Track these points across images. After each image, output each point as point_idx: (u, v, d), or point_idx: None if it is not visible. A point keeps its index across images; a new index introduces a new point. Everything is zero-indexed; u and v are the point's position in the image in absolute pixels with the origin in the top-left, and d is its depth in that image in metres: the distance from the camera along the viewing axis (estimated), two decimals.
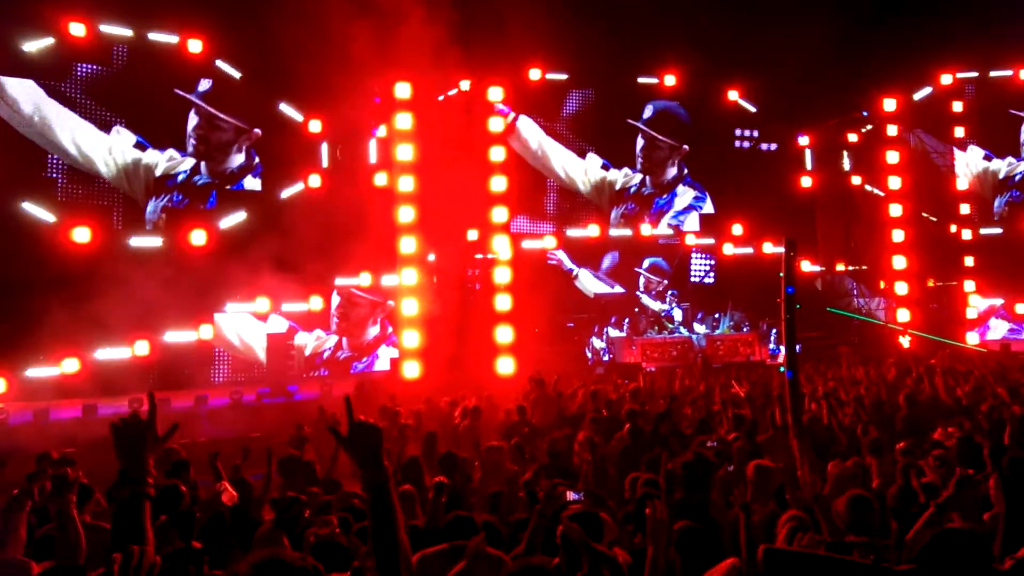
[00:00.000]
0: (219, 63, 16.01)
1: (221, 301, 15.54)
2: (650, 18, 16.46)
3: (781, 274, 4.97)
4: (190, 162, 16.09)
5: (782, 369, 5.83)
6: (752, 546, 2.55)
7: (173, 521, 3.65)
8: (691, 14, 16.56)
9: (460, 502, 4.36)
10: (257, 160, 16.56)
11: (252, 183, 16.65)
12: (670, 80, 18.75)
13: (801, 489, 4.57)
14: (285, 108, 16.57)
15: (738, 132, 19.87)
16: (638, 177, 19.82)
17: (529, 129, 18.76)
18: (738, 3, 16.92)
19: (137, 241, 15.24)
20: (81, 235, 14.11)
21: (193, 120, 16.16)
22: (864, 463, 5.48)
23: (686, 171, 20.15)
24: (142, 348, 14.27)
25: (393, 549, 1.86)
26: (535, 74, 17.67)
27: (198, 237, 15.37)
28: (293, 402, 13.12)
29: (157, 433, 2.22)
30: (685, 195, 20.22)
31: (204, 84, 16.10)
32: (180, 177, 16.05)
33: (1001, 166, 19.28)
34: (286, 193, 16.56)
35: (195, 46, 15.50)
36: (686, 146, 19.88)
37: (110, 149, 15.41)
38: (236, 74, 16.13)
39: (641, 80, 19.22)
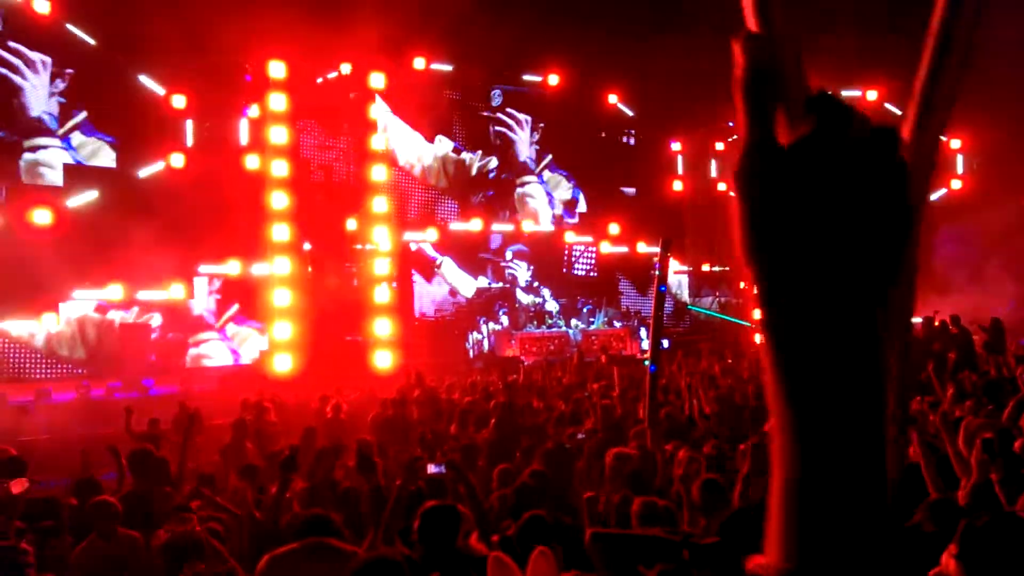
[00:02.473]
0: (70, 27, 14.62)
1: (68, 287, 14.22)
2: (538, 17, 16.68)
3: (657, 271, 5.14)
4: None
5: (646, 363, 6.06)
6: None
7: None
8: (577, 17, 16.92)
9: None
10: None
11: (106, 158, 15.34)
12: (554, 80, 19.07)
13: (655, 475, 4.78)
14: (145, 80, 15.37)
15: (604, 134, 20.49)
16: (495, 161, 19.66)
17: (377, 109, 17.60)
18: (619, 12, 17.47)
19: None
20: None
21: None
22: (718, 450, 5.77)
23: (549, 157, 20.24)
24: None
25: None
26: (419, 63, 17.42)
27: (42, 216, 13.97)
28: (148, 397, 12.22)
29: None
30: (560, 187, 20.49)
31: None
32: None
33: None
34: (144, 172, 15.39)
35: (42, 6, 14.06)
36: (541, 123, 19.90)
37: None
38: (91, 40, 14.79)
39: (526, 78, 19.44)
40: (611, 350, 13.92)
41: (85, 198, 14.79)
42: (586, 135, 20.23)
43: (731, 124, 20.53)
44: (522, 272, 19.54)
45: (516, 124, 19.99)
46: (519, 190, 20.09)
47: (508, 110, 19.86)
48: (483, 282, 18.93)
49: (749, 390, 8.59)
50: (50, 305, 14.09)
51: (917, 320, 13.37)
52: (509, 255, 19.64)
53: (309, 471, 5.58)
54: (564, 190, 20.63)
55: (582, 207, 20.69)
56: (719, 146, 21.15)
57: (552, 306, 18.57)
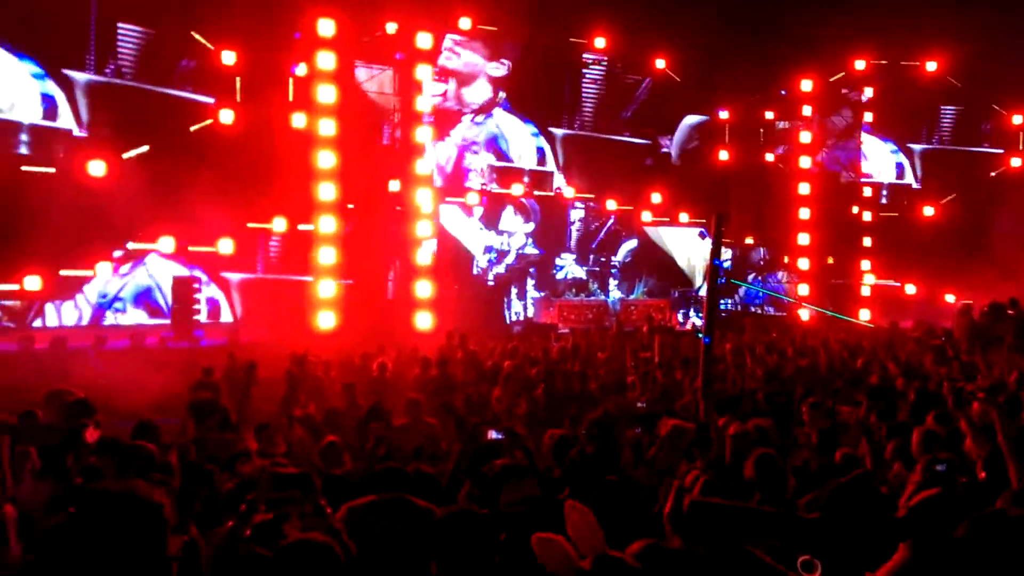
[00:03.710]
0: None
1: (121, 239, 14.61)
2: None
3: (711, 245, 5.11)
4: None
5: (700, 335, 6.05)
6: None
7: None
8: None
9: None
10: None
11: None
12: (600, 43, 18.71)
13: (710, 447, 4.80)
14: (196, 36, 15.48)
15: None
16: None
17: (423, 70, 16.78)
18: None
19: (31, 168, 14.04)
20: None
21: None
22: (763, 425, 5.77)
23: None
24: (33, 283, 13.28)
25: None
26: (465, 23, 17.23)
27: (96, 167, 14.30)
28: (199, 348, 12.60)
29: None
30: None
31: None
32: None
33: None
34: (195, 126, 15.59)
35: None
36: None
37: None
38: None
39: (573, 40, 19.11)
40: (653, 322, 13.87)
41: (138, 150, 15.06)
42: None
43: (783, 92, 20.05)
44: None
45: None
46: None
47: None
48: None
49: (793, 367, 8.55)
50: (105, 255, 14.50)
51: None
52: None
53: (358, 427, 5.74)
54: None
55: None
56: (768, 115, 20.60)
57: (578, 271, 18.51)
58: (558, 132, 19.88)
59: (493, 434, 4.30)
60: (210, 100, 15.50)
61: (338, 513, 2.52)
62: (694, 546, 1.80)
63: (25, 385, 8.72)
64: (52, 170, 14.17)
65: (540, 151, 19.74)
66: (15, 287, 13.34)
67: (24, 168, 13.92)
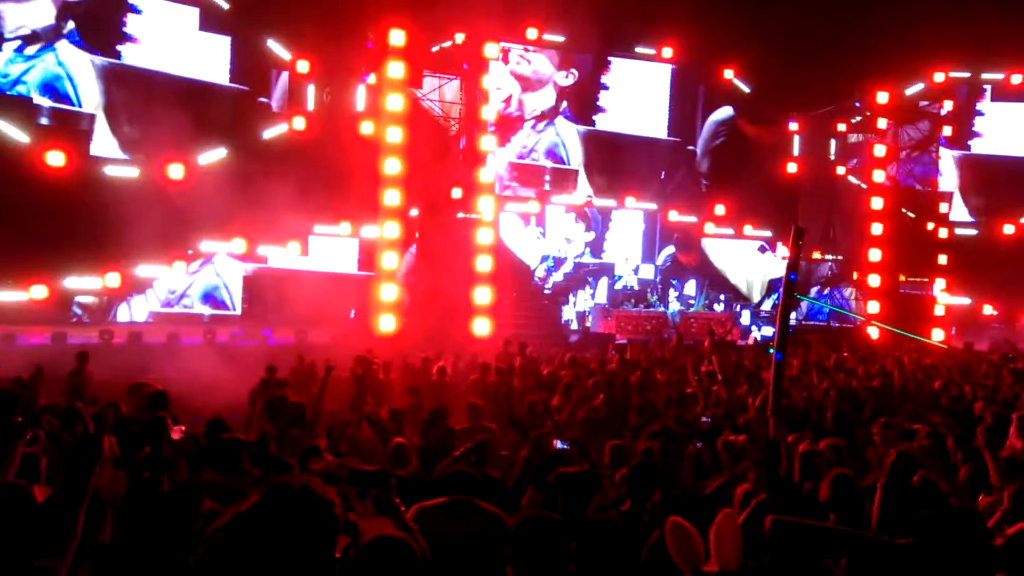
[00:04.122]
0: None
1: (197, 238, 15.23)
2: None
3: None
4: None
5: (771, 350, 5.91)
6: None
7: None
8: None
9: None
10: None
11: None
12: (667, 52, 18.57)
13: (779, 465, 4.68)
14: (273, 45, 16.07)
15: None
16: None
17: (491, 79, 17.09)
18: None
19: (113, 170, 14.80)
20: (55, 159, 13.64)
21: None
22: (836, 444, 5.61)
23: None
24: (113, 280, 13.98)
25: None
26: (532, 34, 17.36)
27: (176, 171, 14.96)
28: (267, 346, 13.00)
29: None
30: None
31: None
32: None
33: None
34: (269, 133, 16.16)
35: None
36: (574, 71, 18.86)
37: None
38: (224, 4, 15.56)
39: (639, 50, 19.03)
40: (715, 336, 13.64)
41: (215, 155, 15.69)
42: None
43: (856, 104, 19.48)
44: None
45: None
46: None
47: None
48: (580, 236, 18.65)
49: (862, 386, 8.27)
50: (181, 254, 15.13)
51: None
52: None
53: (423, 430, 5.83)
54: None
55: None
56: (840, 127, 20.04)
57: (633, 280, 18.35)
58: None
59: (558, 444, 4.31)
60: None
61: (408, 513, 2.58)
62: (775, 564, 1.78)
63: (107, 378, 9.17)
64: (135, 172, 14.89)
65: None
66: (97, 283, 14.05)
67: (107, 170, 14.66)
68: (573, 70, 18.94)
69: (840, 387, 8.11)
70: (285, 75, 16.14)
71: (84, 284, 14.01)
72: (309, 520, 1.42)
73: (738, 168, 19.20)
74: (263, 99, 16.22)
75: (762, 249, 19.42)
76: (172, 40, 15.47)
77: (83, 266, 13.71)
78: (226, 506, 2.62)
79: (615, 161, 19.04)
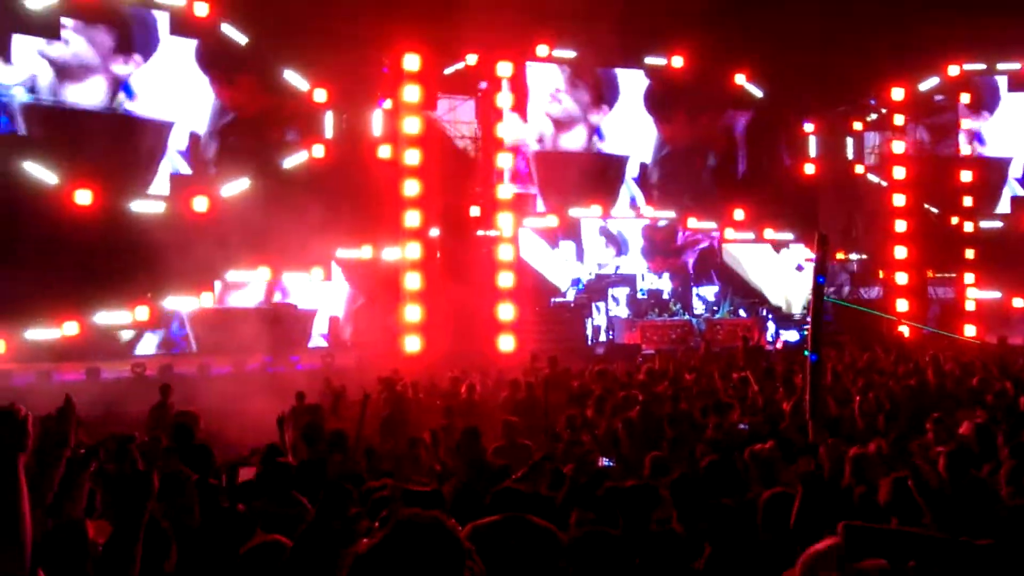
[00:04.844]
0: (224, 27, 15.75)
1: (223, 268, 15.45)
2: None
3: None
4: None
5: (806, 353, 5.87)
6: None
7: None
8: None
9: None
10: None
11: None
12: (678, 62, 18.59)
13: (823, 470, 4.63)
14: (290, 76, 16.34)
15: None
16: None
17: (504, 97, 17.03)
18: None
19: (139, 205, 15.08)
20: (83, 197, 13.94)
21: None
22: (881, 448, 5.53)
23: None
24: (142, 313, 14.20)
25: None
26: (542, 51, 17.49)
27: (200, 203, 15.22)
28: (295, 372, 13.10)
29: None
30: None
31: None
32: None
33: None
34: (289, 163, 16.40)
35: (201, 8, 15.24)
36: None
37: None
38: (242, 39, 15.87)
39: (648, 61, 19.08)
40: (749, 342, 13.51)
41: (238, 186, 15.95)
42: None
43: (872, 101, 19.34)
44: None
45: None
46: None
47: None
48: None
49: (900, 386, 8.16)
50: (207, 285, 15.34)
51: None
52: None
53: (457, 447, 5.84)
54: None
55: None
56: (857, 126, 19.90)
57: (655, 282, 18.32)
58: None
59: (604, 461, 4.29)
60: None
61: (461, 533, 2.58)
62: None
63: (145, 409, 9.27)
64: (162, 207, 15.16)
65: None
66: (127, 318, 14.28)
67: (133, 206, 14.94)
68: (604, 106, 19.10)
69: (875, 389, 8.01)
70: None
71: (114, 319, 14.23)
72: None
73: (755, 171, 19.13)
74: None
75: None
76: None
77: (113, 301, 13.94)
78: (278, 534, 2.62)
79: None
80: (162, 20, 15.55)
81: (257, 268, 15.43)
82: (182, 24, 15.52)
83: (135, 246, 14.07)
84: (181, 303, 15.22)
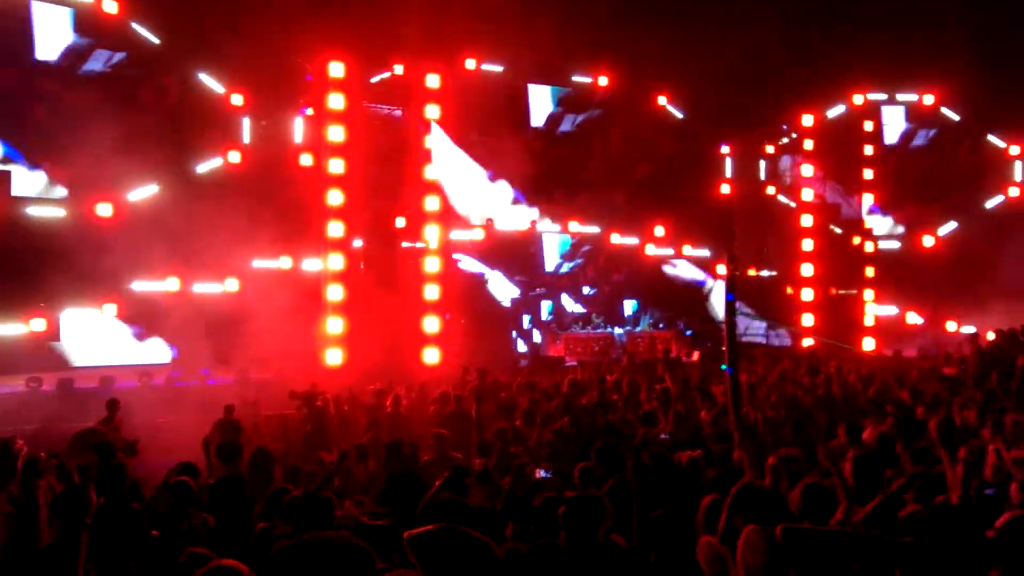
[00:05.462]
0: (135, 26, 15.05)
1: (128, 278, 14.63)
2: (586, 19, 16.74)
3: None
4: None
5: (724, 367, 6.06)
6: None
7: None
8: (626, 19, 16.92)
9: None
10: None
11: None
12: (603, 81, 19.04)
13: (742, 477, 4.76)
14: (205, 78, 15.74)
15: None
16: None
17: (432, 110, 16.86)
18: (671, 12, 17.43)
19: (36, 210, 14.13)
20: None
21: None
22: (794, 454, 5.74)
23: None
24: (38, 325, 13.27)
25: None
26: (470, 64, 17.54)
27: (104, 209, 14.40)
28: (206, 386, 12.52)
29: None
30: None
31: None
32: None
33: None
34: (202, 168, 15.76)
35: (111, 6, 14.52)
36: None
37: None
38: (155, 40, 15.20)
39: (575, 79, 19.45)
40: (671, 354, 13.85)
41: (145, 192, 15.18)
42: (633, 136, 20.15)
43: (784, 126, 20.35)
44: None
45: None
46: None
47: None
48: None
49: (810, 397, 8.53)
50: (111, 296, 14.48)
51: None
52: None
53: (385, 462, 5.70)
54: None
55: None
56: (769, 149, 20.89)
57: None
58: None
59: (541, 472, 4.26)
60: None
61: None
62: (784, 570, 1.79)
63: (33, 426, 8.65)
64: (62, 212, 14.26)
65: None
66: (22, 329, 13.32)
67: (30, 211, 14.00)
68: None
69: (787, 397, 8.35)
70: None
71: (8, 330, 13.24)
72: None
73: (674, 190, 19.77)
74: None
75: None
76: None
77: (6, 311, 12.99)
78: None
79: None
80: (64, 17, 14.71)
81: (166, 279, 14.69)
82: (88, 22, 14.73)
83: (31, 253, 13.18)
84: (81, 314, 14.33)
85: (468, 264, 18.53)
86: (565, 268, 20.10)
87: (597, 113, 19.98)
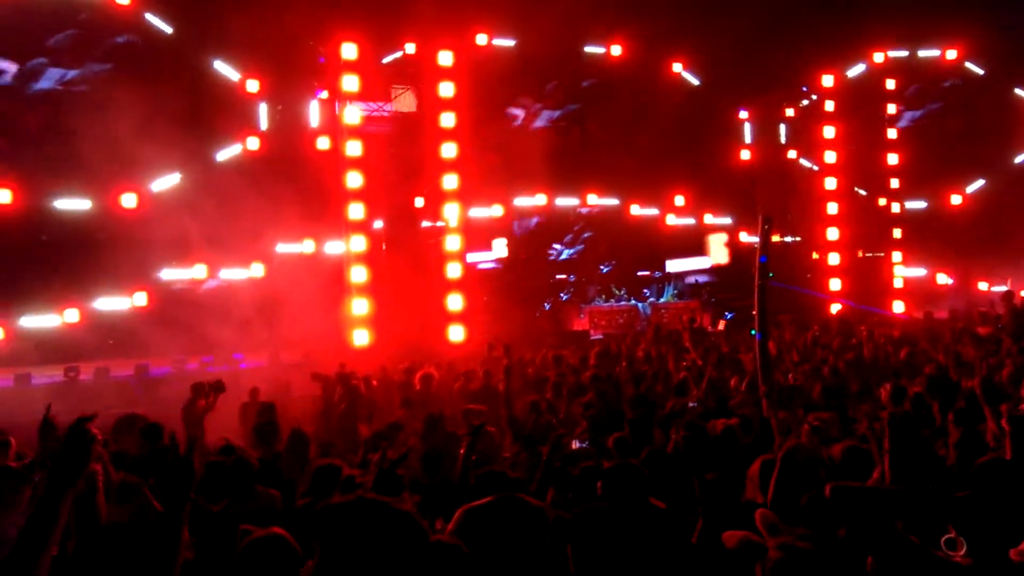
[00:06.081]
0: (148, 16, 15.08)
1: (156, 267, 14.85)
2: None
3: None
4: None
5: (753, 332, 6.04)
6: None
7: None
8: None
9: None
10: None
11: None
12: (616, 50, 18.77)
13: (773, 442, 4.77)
14: (220, 66, 15.77)
15: None
16: None
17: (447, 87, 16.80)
18: None
19: (63, 203, 14.34)
20: (1, 196, 13.18)
21: None
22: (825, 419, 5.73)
23: None
24: (72, 315, 13.54)
25: None
26: (482, 39, 17.36)
27: (129, 200, 14.58)
28: (239, 371, 12.71)
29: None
30: None
31: None
32: None
33: None
34: (222, 155, 15.85)
35: None
36: None
37: None
38: (167, 29, 15.23)
39: (588, 49, 19.19)
40: (695, 324, 13.80)
41: (168, 181, 15.33)
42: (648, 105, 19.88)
43: (804, 88, 19.97)
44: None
45: None
46: None
47: None
48: None
49: (842, 361, 8.48)
50: (140, 284, 14.71)
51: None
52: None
53: (423, 435, 5.79)
54: None
55: None
56: (789, 112, 20.53)
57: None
58: None
59: (576, 443, 4.31)
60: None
61: (454, 516, 2.56)
62: (832, 530, 1.81)
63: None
64: (88, 204, 14.46)
65: None
66: (56, 320, 13.59)
67: (57, 204, 14.21)
68: None
69: (817, 364, 8.30)
70: None
71: (42, 322, 13.53)
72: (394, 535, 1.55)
73: (694, 157, 19.54)
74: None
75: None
76: None
77: (40, 304, 13.26)
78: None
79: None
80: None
81: (194, 266, 14.89)
82: (103, 15, 14.78)
83: (61, 246, 13.41)
84: (114, 304, 14.58)
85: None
86: (565, 255, 20.07)
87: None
